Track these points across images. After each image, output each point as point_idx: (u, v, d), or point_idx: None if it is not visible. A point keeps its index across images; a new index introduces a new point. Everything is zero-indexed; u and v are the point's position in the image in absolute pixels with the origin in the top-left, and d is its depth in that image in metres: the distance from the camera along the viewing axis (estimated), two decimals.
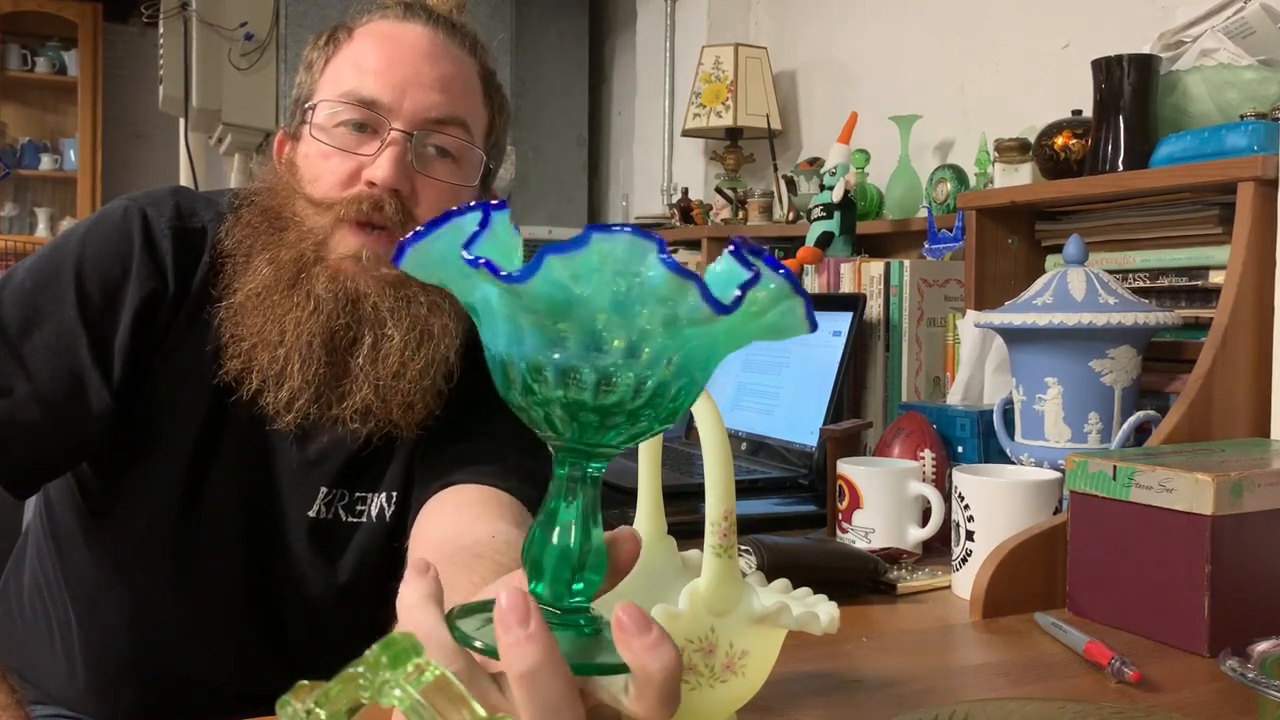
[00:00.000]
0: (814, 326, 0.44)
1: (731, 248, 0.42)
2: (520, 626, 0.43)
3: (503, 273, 0.41)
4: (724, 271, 0.42)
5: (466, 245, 0.42)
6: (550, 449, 0.48)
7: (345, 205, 0.92)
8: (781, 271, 0.41)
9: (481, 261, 0.41)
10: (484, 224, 0.42)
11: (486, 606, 0.47)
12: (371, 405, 0.93)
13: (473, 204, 0.43)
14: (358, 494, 1.00)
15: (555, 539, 0.47)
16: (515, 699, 0.43)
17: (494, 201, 0.44)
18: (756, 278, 0.41)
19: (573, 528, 0.47)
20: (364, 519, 1.00)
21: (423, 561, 0.49)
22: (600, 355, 0.43)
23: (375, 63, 0.94)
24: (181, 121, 3.27)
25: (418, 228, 0.43)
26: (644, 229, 0.41)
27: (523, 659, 0.42)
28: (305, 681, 0.41)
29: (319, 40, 1.00)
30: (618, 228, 0.41)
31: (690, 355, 0.44)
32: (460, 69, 0.97)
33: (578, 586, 0.47)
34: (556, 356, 0.43)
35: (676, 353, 0.43)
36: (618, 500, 1.35)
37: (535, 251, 0.41)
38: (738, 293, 0.40)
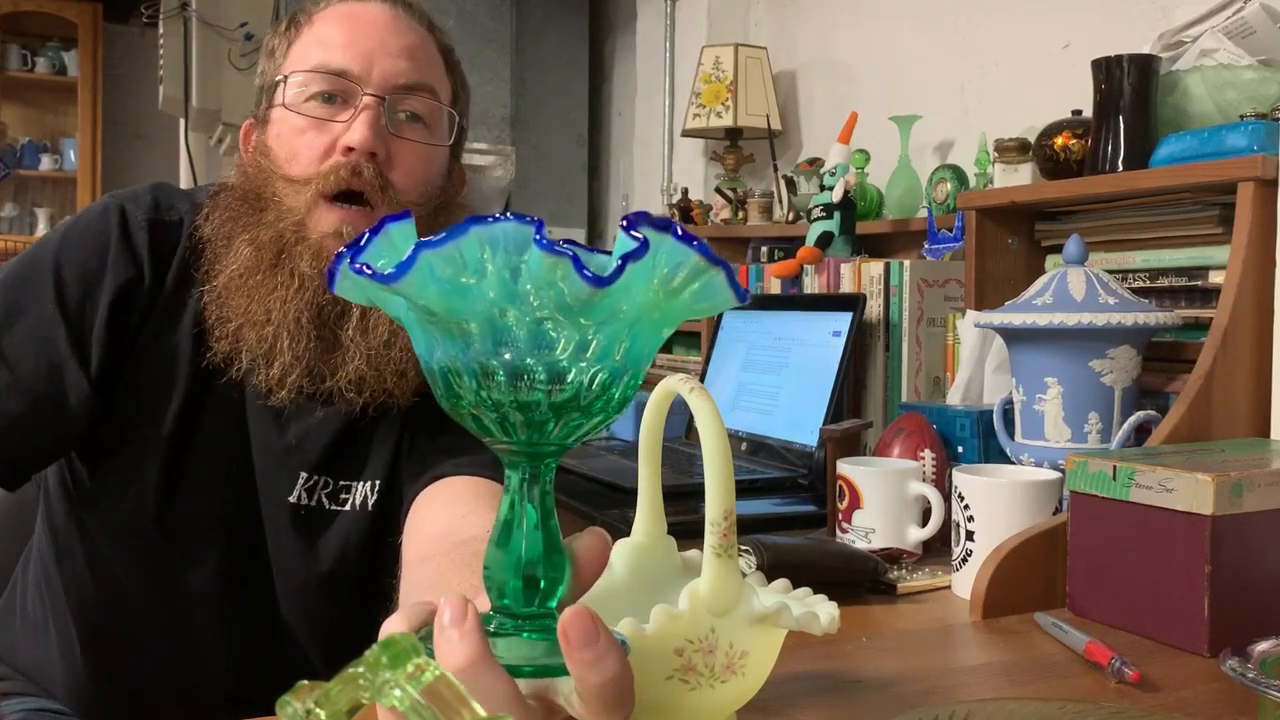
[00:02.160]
0: (743, 297, 0.42)
1: (625, 222, 0.41)
2: (453, 627, 0.43)
3: (376, 272, 0.40)
4: (619, 247, 0.41)
5: (353, 254, 0.41)
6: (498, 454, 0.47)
7: (322, 178, 0.93)
8: (694, 244, 0.40)
9: (361, 266, 0.41)
10: (375, 232, 0.42)
11: None
12: (365, 375, 0.94)
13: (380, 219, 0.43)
14: (341, 482, 1.00)
15: (511, 545, 0.47)
16: None
17: (397, 214, 0.43)
18: (643, 247, 0.40)
19: (527, 533, 0.47)
20: (347, 507, 1.00)
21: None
22: (509, 350, 0.42)
23: (341, 38, 0.96)
24: (181, 121, 3.27)
25: (340, 249, 0.43)
26: (524, 215, 0.40)
27: (449, 657, 0.43)
28: (305, 681, 0.41)
29: (279, 28, 1.02)
30: (497, 216, 0.40)
31: (609, 342, 0.43)
32: (422, 40, 1.00)
33: (542, 590, 0.47)
34: (467, 357, 0.43)
35: (592, 340, 0.42)
36: (617, 500, 1.35)
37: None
38: (618, 263, 0.39)
